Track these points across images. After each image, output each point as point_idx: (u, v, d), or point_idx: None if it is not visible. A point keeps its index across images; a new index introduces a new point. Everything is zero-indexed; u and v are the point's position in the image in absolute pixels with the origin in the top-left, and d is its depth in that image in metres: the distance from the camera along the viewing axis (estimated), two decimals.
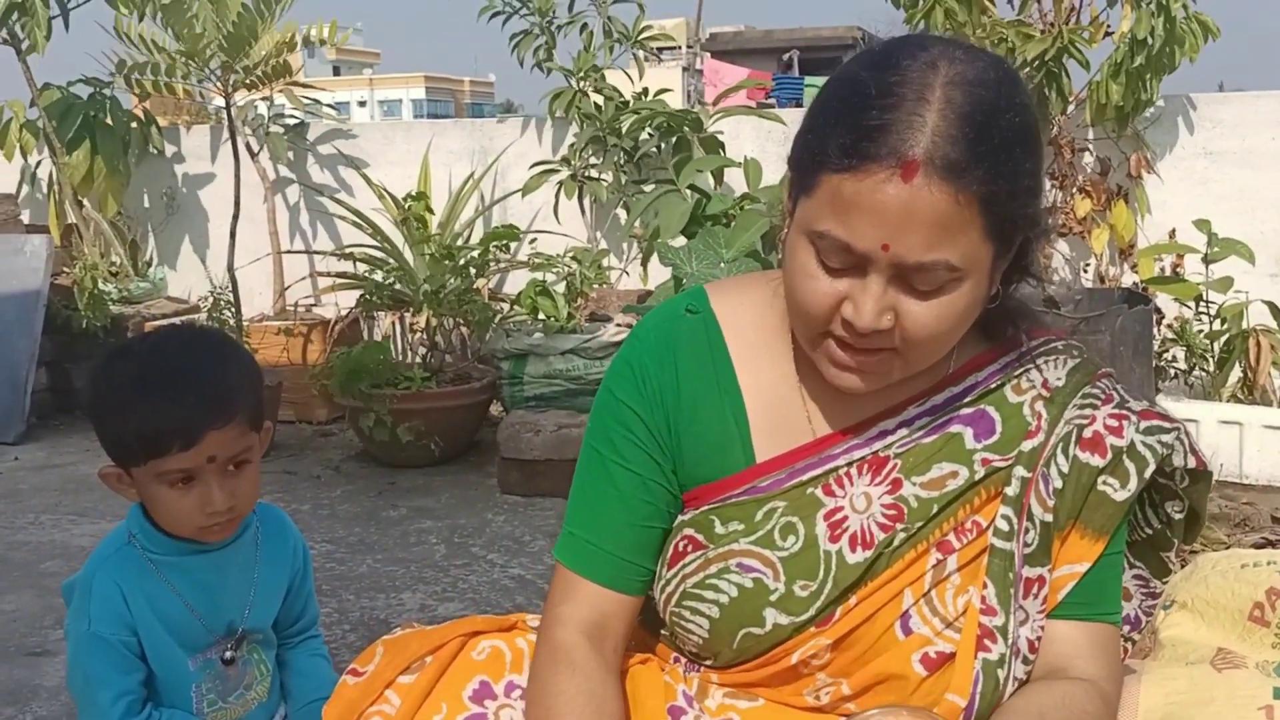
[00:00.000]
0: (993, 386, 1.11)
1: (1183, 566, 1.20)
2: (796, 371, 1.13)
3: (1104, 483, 1.07)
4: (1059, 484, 1.07)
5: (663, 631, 1.24)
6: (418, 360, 4.33)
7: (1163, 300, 3.99)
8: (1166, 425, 1.08)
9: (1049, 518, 1.07)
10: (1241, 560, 1.52)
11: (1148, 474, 1.06)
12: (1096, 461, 1.06)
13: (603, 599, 1.12)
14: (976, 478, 1.08)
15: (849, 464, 1.09)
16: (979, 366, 1.12)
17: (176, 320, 4.48)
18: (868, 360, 1.02)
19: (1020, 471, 1.07)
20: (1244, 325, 3.74)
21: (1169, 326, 4.03)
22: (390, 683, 1.18)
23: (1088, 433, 1.07)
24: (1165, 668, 1.30)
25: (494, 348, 4.04)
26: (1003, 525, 1.07)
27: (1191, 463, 1.09)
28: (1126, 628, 1.19)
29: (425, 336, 4.30)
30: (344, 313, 4.66)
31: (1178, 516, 1.13)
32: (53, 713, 2.26)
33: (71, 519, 3.48)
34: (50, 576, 2.93)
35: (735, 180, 4.26)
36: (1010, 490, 1.07)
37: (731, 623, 1.09)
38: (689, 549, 1.12)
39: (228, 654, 1.49)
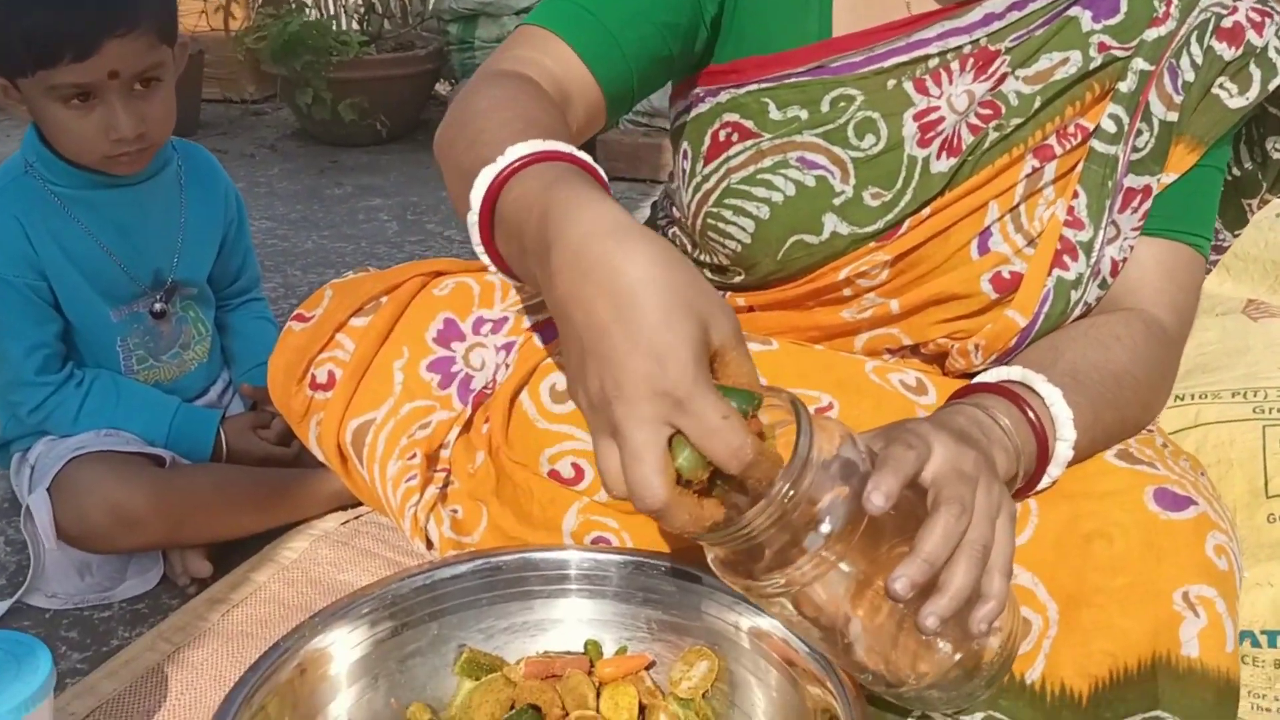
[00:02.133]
0: None
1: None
2: None
3: (1221, 85, 0.91)
4: (1190, 77, 0.91)
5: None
6: (354, 25, 3.94)
7: None
8: None
9: (1172, 116, 0.91)
10: (1276, 209, 1.40)
11: (1272, 86, 0.90)
12: (1229, 55, 0.90)
13: (574, 68, 0.87)
14: (1091, 66, 0.90)
15: (943, 53, 0.90)
16: None
17: None
18: None
19: (1140, 64, 0.90)
20: None
21: None
22: (342, 325, 1.03)
23: (1227, 22, 0.90)
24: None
25: (439, 8, 3.67)
26: (1109, 126, 0.90)
27: None
28: None
29: None
30: None
31: (1276, 156, 0.97)
32: None
33: None
34: None
35: None
36: (1124, 86, 0.90)
37: (781, 227, 0.93)
38: (735, 138, 0.94)
39: (157, 306, 1.33)
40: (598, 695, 0.85)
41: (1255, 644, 1.03)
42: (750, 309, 1.02)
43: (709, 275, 1.03)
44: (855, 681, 0.75)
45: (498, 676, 0.86)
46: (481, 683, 0.86)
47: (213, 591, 1.16)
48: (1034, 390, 0.80)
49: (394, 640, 0.88)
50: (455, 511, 1.01)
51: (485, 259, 0.71)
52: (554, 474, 0.97)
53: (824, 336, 1.00)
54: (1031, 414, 0.79)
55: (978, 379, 0.87)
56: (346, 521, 1.27)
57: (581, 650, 0.91)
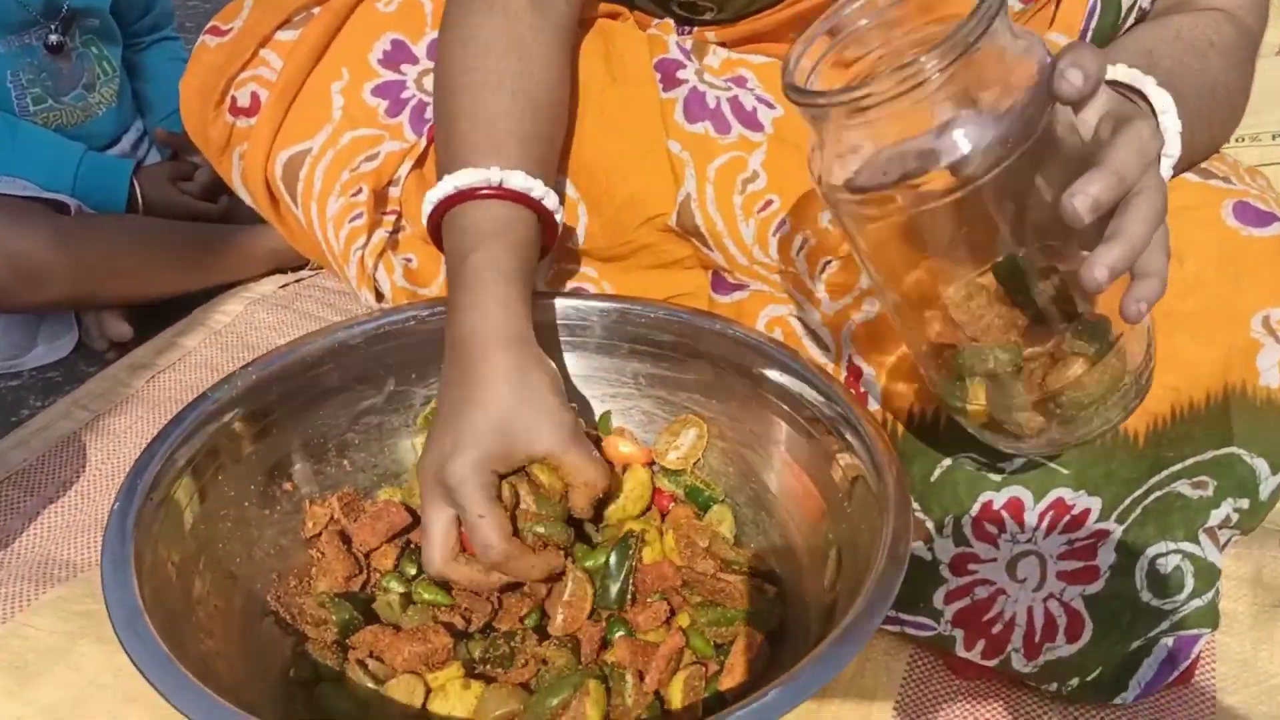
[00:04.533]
0: None
1: None
2: None
3: None
4: None
5: None
6: None
7: None
8: None
9: None
10: None
11: None
12: None
13: None
14: None
15: None
16: None
17: None
18: None
19: None
20: None
21: None
22: (266, 40, 0.86)
23: None
24: None
25: None
26: None
27: None
28: None
29: None
30: None
31: None
32: None
33: None
34: None
35: None
36: None
37: None
38: None
39: (52, 39, 1.14)
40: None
41: None
42: (723, 45, 0.86)
43: (678, 11, 0.87)
44: (883, 433, 0.64)
45: None
46: None
47: (135, 356, 1.03)
48: (1142, 94, 0.66)
49: (343, 396, 0.76)
50: (409, 260, 0.88)
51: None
52: None
53: None
54: None
55: None
56: (286, 285, 1.13)
57: None
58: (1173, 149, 0.66)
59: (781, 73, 0.53)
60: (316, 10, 0.87)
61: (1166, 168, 0.66)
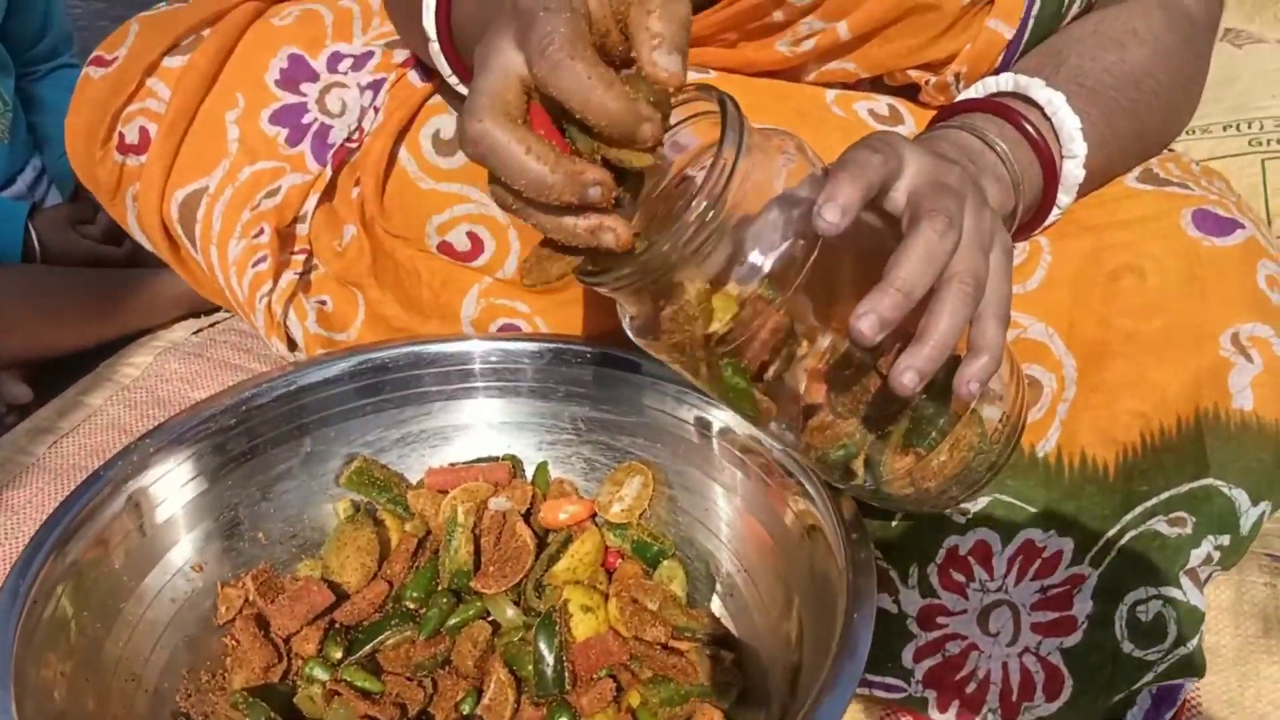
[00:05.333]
0: None
1: None
2: None
3: None
4: None
5: None
6: None
7: None
8: None
9: None
10: None
11: None
12: None
13: None
14: None
15: None
16: None
17: None
18: None
19: None
20: None
21: None
22: (153, 68, 0.79)
23: None
24: None
25: None
26: None
27: None
28: None
29: None
30: None
31: None
32: None
33: None
34: None
35: None
36: None
37: None
38: None
39: None
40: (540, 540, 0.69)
41: None
42: None
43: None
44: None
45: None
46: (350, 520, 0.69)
47: (36, 420, 0.95)
48: (1030, 100, 0.63)
49: (253, 462, 0.69)
50: (323, 302, 0.81)
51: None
52: (445, 247, 0.78)
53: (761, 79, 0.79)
54: (1030, 128, 0.62)
55: (961, 97, 0.70)
56: (200, 330, 1.06)
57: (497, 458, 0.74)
58: (1074, 148, 0.62)
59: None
60: (206, 32, 0.80)
61: (1075, 167, 0.63)
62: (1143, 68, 0.68)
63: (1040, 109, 0.64)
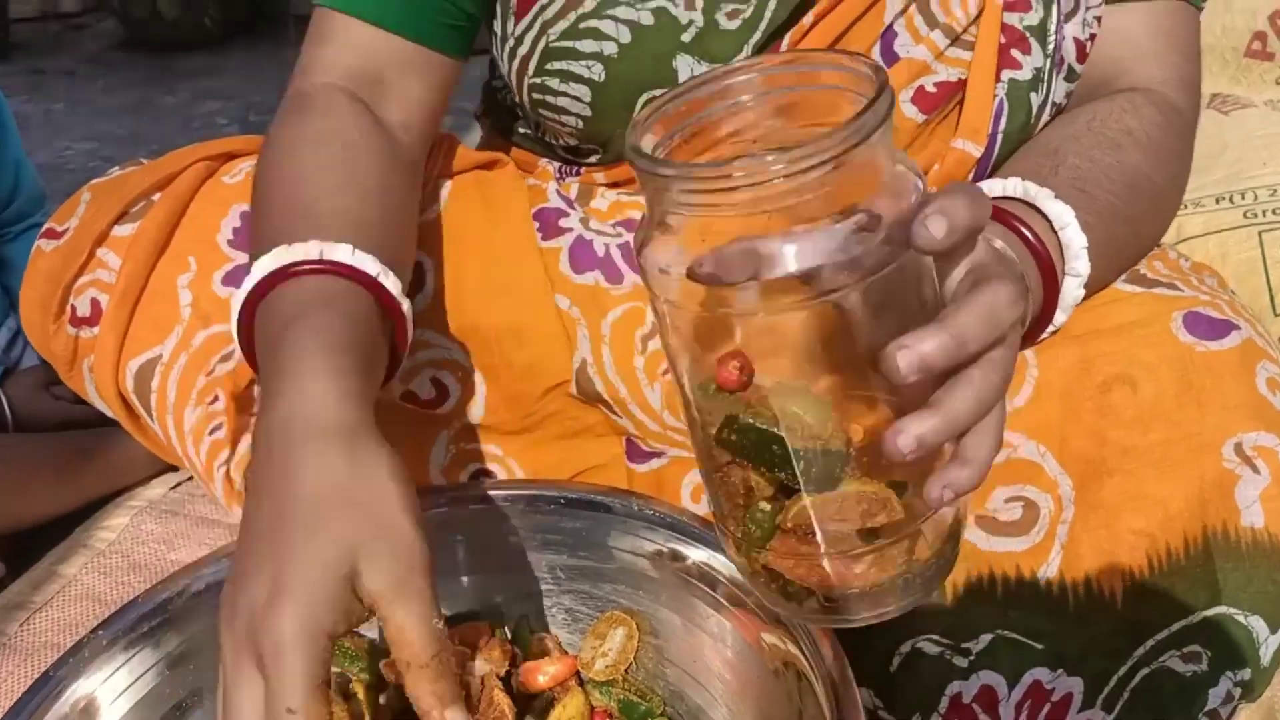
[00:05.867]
0: None
1: None
2: None
3: None
4: None
5: (520, 129, 0.85)
6: None
7: None
8: None
9: None
10: None
11: None
12: None
13: (378, 44, 0.69)
14: None
15: None
16: None
17: None
18: None
19: None
20: None
21: None
22: (103, 238, 0.78)
23: None
24: None
25: None
26: None
27: None
28: None
29: None
30: None
31: None
32: None
33: None
34: None
35: None
36: None
37: (623, 88, 0.70)
38: None
39: None
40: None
41: None
42: (616, 185, 0.79)
43: (562, 154, 0.80)
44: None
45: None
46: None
47: (9, 595, 0.92)
48: (1038, 209, 0.59)
49: (211, 650, 0.65)
50: None
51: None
52: (409, 397, 0.75)
53: None
54: (1037, 242, 0.57)
55: None
56: (177, 485, 1.03)
57: (475, 615, 0.70)
58: (1079, 266, 0.58)
59: (627, 136, 0.45)
60: (157, 196, 0.78)
61: (1075, 286, 0.59)
62: (1139, 170, 0.65)
63: (1049, 222, 0.59)
